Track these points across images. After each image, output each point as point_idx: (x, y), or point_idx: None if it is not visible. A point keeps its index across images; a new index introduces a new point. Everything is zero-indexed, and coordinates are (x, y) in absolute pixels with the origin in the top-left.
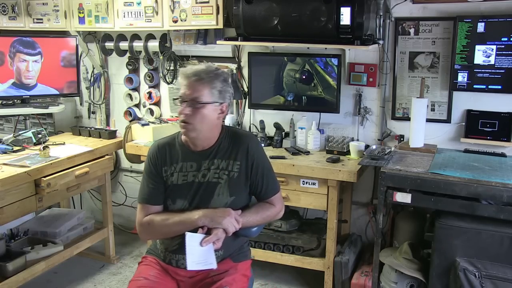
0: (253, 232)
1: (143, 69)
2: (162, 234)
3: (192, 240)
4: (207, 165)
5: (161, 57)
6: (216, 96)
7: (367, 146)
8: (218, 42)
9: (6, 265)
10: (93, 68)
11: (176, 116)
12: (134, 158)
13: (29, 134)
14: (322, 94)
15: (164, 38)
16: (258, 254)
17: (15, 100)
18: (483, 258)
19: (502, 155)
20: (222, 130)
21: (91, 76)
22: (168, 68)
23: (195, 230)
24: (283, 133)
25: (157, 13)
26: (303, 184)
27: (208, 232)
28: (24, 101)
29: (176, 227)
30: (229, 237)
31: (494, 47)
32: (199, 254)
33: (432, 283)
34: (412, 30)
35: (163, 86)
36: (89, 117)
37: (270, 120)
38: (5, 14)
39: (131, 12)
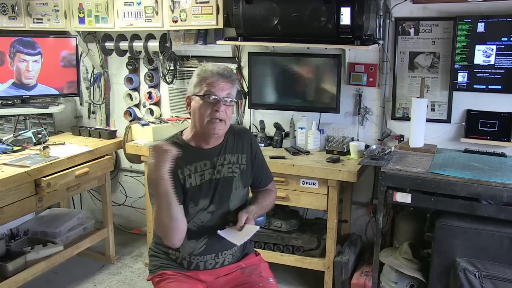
0: (260, 221)
1: (143, 69)
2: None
3: (227, 233)
4: (220, 161)
5: (161, 57)
6: (237, 94)
7: (367, 146)
8: (218, 42)
9: (6, 265)
10: (93, 68)
11: (176, 116)
12: (134, 158)
13: (29, 134)
14: (323, 95)
15: (164, 38)
16: None
17: (15, 100)
18: (483, 258)
19: (502, 155)
20: None
21: (91, 76)
22: (168, 68)
23: (221, 227)
24: (283, 133)
25: (157, 13)
26: (303, 184)
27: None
28: (24, 101)
29: None
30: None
31: (494, 47)
32: (240, 237)
33: (432, 283)
34: (412, 30)
35: (163, 86)
36: (89, 117)
37: (270, 120)
38: (5, 14)
39: (131, 12)
